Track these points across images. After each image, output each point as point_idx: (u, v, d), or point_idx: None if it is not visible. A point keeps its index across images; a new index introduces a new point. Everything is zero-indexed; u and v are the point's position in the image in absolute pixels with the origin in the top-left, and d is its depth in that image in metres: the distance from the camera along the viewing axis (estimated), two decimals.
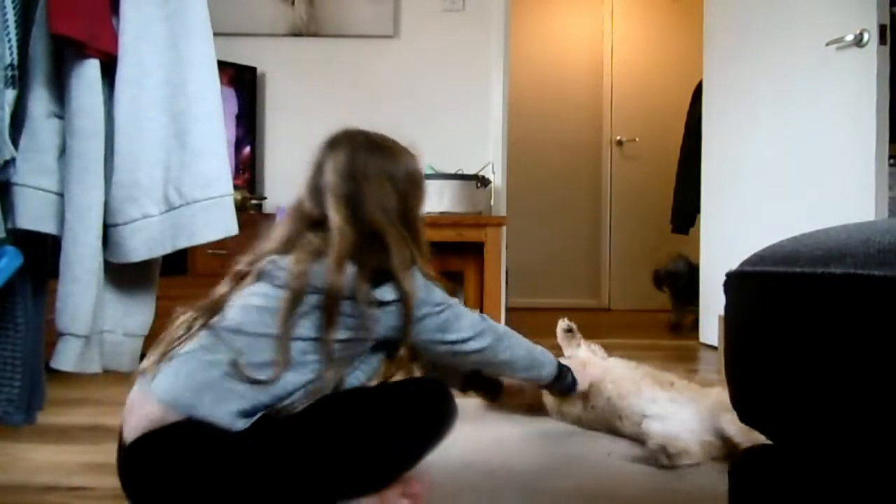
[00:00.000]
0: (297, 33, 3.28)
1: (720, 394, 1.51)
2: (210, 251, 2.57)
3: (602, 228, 4.70)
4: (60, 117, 1.17)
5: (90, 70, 1.14)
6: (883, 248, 0.59)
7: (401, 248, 1.15)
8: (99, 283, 1.20)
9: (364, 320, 1.11)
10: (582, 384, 1.53)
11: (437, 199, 2.75)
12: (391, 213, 1.18)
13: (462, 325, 1.21)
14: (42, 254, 1.24)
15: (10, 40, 1.12)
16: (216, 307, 1.14)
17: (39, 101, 1.16)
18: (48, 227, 1.17)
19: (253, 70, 3.23)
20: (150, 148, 1.20)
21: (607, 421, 1.65)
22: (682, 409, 1.56)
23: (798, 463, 0.70)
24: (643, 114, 4.61)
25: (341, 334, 1.11)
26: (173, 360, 1.08)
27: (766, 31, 2.77)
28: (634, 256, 4.46)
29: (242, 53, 3.16)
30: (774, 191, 2.73)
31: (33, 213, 1.16)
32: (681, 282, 3.47)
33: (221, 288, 1.17)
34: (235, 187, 1.58)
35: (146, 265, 1.28)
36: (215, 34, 1.27)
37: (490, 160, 3.21)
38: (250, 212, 2.98)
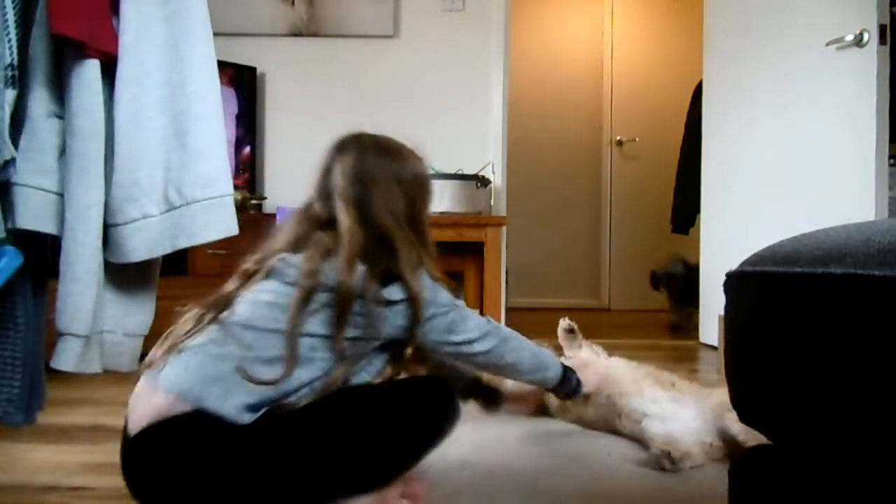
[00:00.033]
0: (297, 33, 3.29)
1: (723, 394, 1.51)
2: (210, 251, 2.57)
3: (602, 228, 4.70)
4: (60, 117, 1.17)
5: (90, 70, 1.15)
6: (883, 248, 0.59)
7: (408, 249, 1.16)
8: (99, 283, 1.20)
9: (372, 319, 1.12)
10: (587, 386, 1.52)
11: (437, 199, 2.73)
12: (399, 216, 1.19)
13: (468, 326, 1.22)
14: (42, 254, 1.24)
15: (10, 40, 1.12)
16: (225, 303, 1.14)
17: (39, 101, 1.16)
18: (48, 227, 1.17)
19: (253, 70, 3.23)
20: (150, 148, 1.20)
21: (607, 419, 1.65)
22: (684, 409, 1.56)
23: (798, 463, 0.70)
24: (643, 114, 4.61)
25: (350, 332, 1.12)
26: (182, 352, 1.08)
27: (766, 31, 2.77)
28: (634, 256, 4.46)
29: (242, 53, 3.16)
30: (774, 191, 2.73)
31: (33, 213, 1.16)
32: (678, 283, 3.46)
33: (230, 285, 1.18)
34: (235, 187, 1.58)
35: (146, 265, 1.28)
36: (215, 34, 1.27)
37: (490, 160, 3.21)
38: (250, 212, 2.98)
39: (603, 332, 3.34)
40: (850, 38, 2.31)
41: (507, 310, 3.12)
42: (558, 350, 1.88)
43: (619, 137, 4.65)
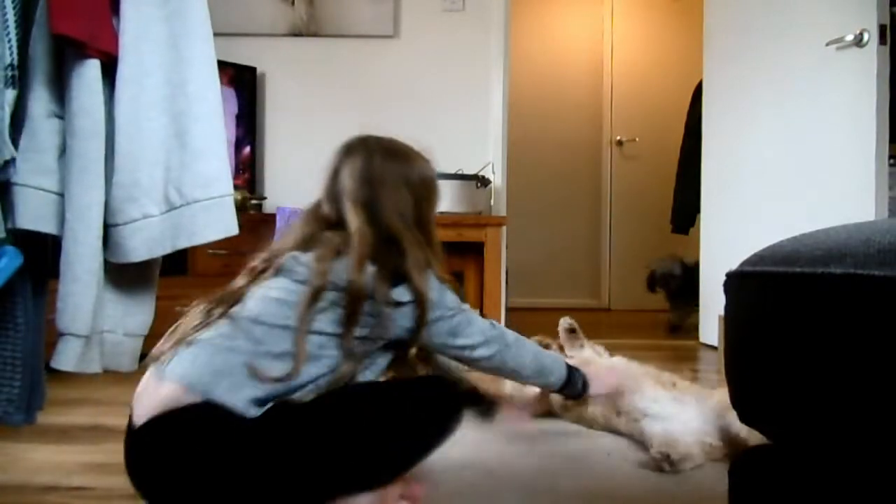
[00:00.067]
0: (297, 33, 3.28)
1: (725, 393, 1.51)
2: (210, 251, 2.57)
3: (602, 228, 4.70)
4: (60, 117, 1.17)
5: (90, 70, 1.15)
6: (883, 248, 0.59)
7: (416, 251, 1.17)
8: (99, 283, 1.20)
9: (381, 319, 1.13)
10: (596, 389, 1.52)
11: None
12: (407, 218, 1.21)
13: (472, 330, 1.24)
14: (42, 254, 1.24)
15: (10, 40, 1.12)
16: (233, 298, 1.15)
17: (39, 101, 1.16)
18: (48, 226, 1.17)
19: (253, 70, 3.23)
20: (151, 148, 1.20)
21: (606, 417, 1.65)
22: (685, 409, 1.55)
23: (798, 463, 0.70)
24: (643, 114, 4.61)
25: (359, 332, 1.13)
26: (191, 345, 1.09)
27: (766, 31, 2.77)
28: (634, 256, 4.46)
29: (242, 53, 3.16)
30: (774, 191, 2.73)
31: (33, 213, 1.16)
32: (675, 283, 3.46)
33: (239, 281, 1.19)
34: (235, 187, 1.58)
35: (146, 265, 1.28)
36: (215, 34, 1.27)
37: (490, 160, 3.21)
38: (250, 212, 2.98)
39: (603, 332, 3.34)
40: (850, 38, 2.31)
41: (507, 310, 3.12)
42: (559, 350, 1.88)
43: (619, 137, 4.65)
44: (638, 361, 1.80)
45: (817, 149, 2.52)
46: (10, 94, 1.13)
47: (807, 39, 2.53)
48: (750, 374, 0.72)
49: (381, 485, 1.15)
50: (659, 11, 4.63)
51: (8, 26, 1.11)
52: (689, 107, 3.72)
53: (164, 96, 1.21)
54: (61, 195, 1.17)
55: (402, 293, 1.14)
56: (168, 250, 1.24)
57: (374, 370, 1.20)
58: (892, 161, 2.33)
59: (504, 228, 3.03)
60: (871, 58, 2.26)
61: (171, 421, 1.03)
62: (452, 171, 2.97)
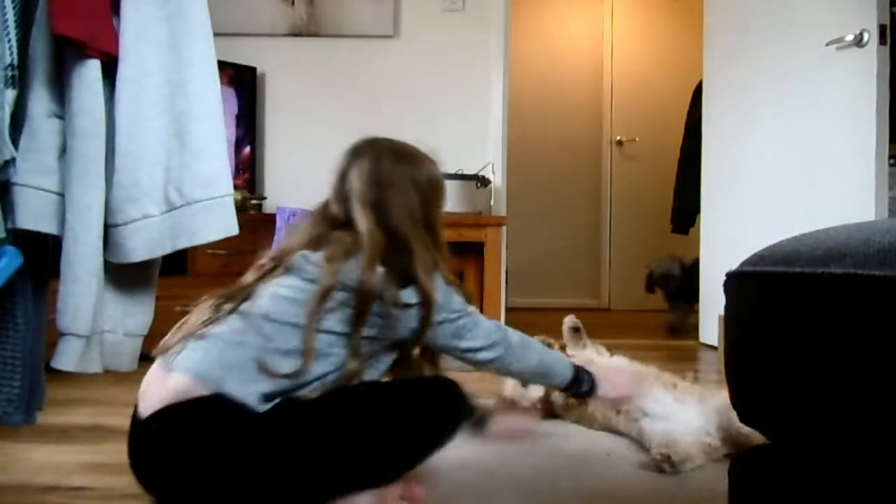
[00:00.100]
0: (297, 33, 3.28)
1: (726, 394, 1.50)
2: (210, 251, 2.57)
3: (602, 228, 4.70)
4: (60, 117, 1.17)
5: (91, 70, 1.15)
6: (883, 248, 0.59)
7: (424, 252, 1.18)
8: (100, 283, 1.20)
9: (389, 320, 1.15)
10: (605, 391, 1.51)
11: None
12: (415, 219, 1.21)
13: (477, 333, 1.25)
14: (42, 254, 1.24)
15: (10, 40, 1.12)
16: (243, 294, 1.16)
17: (39, 101, 1.16)
18: (48, 227, 1.17)
19: (253, 70, 3.23)
20: (151, 148, 1.20)
21: (605, 416, 1.65)
22: (686, 409, 1.55)
23: (798, 463, 0.70)
24: (643, 114, 4.61)
25: (367, 332, 1.14)
26: (203, 339, 1.10)
27: (766, 31, 2.77)
28: (634, 256, 4.45)
29: (242, 53, 3.16)
30: (774, 191, 2.73)
31: (33, 213, 1.16)
32: (674, 283, 3.46)
33: (247, 277, 1.20)
34: (235, 187, 1.58)
35: (146, 265, 1.28)
36: (215, 34, 1.27)
37: (490, 160, 3.21)
38: (250, 212, 2.98)
39: (603, 332, 3.33)
40: (850, 38, 2.31)
41: (507, 310, 3.12)
42: (561, 349, 1.88)
43: (619, 137, 4.65)
44: (638, 362, 1.80)
45: (817, 149, 2.52)
46: (10, 94, 1.13)
47: (807, 39, 2.53)
48: (750, 374, 0.72)
49: (382, 484, 1.15)
50: (659, 11, 4.63)
51: (8, 26, 1.11)
52: (689, 107, 3.72)
53: (164, 96, 1.21)
54: (61, 195, 1.17)
55: (409, 295, 1.16)
56: (168, 250, 1.24)
57: (378, 368, 1.22)
58: (892, 161, 2.34)
59: (504, 228, 3.04)
60: (871, 58, 2.26)
61: (182, 411, 1.04)
62: (452, 171, 2.97)
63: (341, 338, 1.13)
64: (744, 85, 2.89)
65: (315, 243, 1.19)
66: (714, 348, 2.89)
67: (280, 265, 1.18)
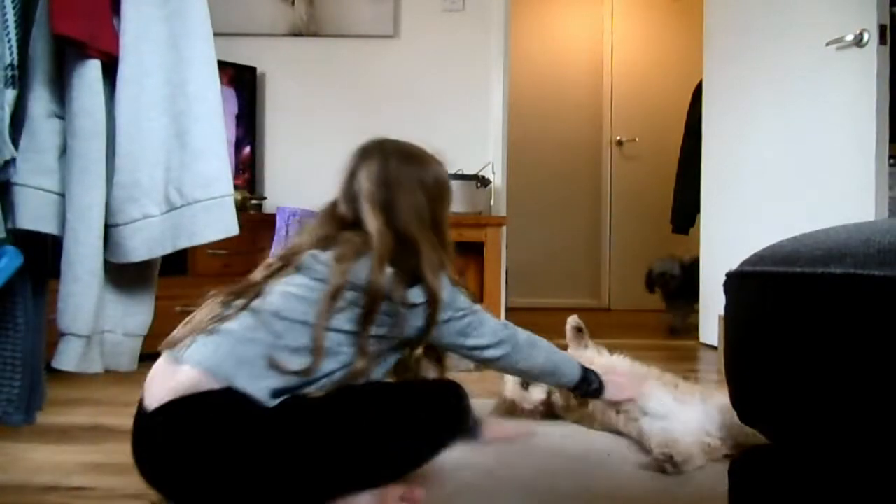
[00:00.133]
0: (297, 33, 3.28)
1: (726, 394, 1.50)
2: (210, 251, 2.57)
3: (602, 228, 4.70)
4: (61, 117, 1.17)
5: (91, 70, 1.15)
6: (883, 248, 0.59)
7: (431, 252, 1.20)
8: (100, 283, 1.20)
9: (397, 320, 1.16)
10: (611, 394, 1.51)
11: None
12: (423, 220, 1.23)
13: (483, 331, 1.26)
14: (42, 254, 1.24)
15: (10, 40, 1.12)
16: (253, 291, 1.17)
17: (39, 101, 1.16)
18: (49, 227, 1.17)
19: (253, 70, 3.23)
20: (151, 148, 1.20)
21: (605, 415, 1.64)
22: (687, 409, 1.55)
23: (798, 463, 0.70)
24: (643, 114, 4.61)
25: (375, 331, 1.16)
26: (213, 334, 1.11)
27: (766, 31, 2.77)
28: (634, 256, 4.46)
29: (242, 53, 3.16)
30: (774, 191, 2.73)
31: (34, 213, 1.16)
32: (674, 283, 3.46)
33: (256, 275, 1.21)
34: (235, 187, 1.58)
35: (146, 265, 1.28)
36: (215, 34, 1.27)
37: (490, 160, 3.21)
38: (250, 212, 2.98)
39: (603, 332, 3.33)
40: (850, 38, 2.31)
41: (507, 310, 3.12)
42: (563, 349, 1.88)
43: (619, 137, 4.65)
44: (638, 362, 1.80)
45: (817, 149, 2.52)
46: (10, 94, 1.13)
47: (807, 39, 2.53)
48: (750, 374, 0.72)
49: (383, 483, 1.15)
50: (659, 11, 4.63)
51: (8, 26, 1.11)
52: (689, 107, 3.72)
53: (164, 96, 1.21)
54: (61, 195, 1.17)
55: (417, 295, 1.17)
56: (168, 250, 1.24)
57: (384, 366, 1.23)
58: (892, 161, 2.34)
59: (504, 228, 3.03)
60: (871, 58, 2.26)
61: (191, 405, 1.05)
62: (452, 171, 2.96)
63: (350, 336, 1.14)
64: (744, 85, 2.89)
65: (324, 243, 1.20)
66: (714, 348, 2.89)
67: (289, 264, 1.19)
